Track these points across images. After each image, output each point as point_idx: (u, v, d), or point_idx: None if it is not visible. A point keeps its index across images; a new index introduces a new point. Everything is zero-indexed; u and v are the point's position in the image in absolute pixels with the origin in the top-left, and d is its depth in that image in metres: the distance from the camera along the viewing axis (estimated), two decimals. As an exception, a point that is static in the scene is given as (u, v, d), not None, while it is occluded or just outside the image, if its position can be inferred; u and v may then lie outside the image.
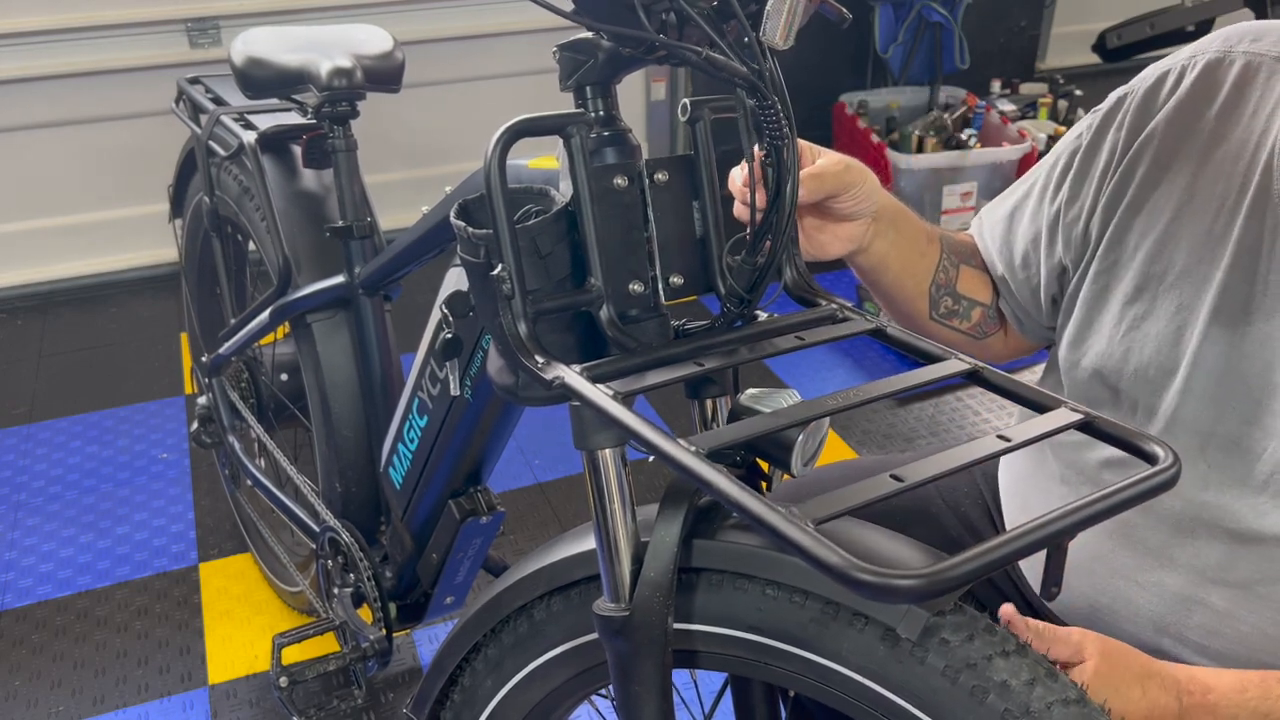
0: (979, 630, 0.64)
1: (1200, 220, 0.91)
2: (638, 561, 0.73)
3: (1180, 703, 0.81)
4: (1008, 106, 3.33)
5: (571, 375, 0.68)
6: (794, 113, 0.73)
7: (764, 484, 0.80)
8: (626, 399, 0.65)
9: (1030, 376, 2.79)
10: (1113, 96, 1.00)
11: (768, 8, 0.63)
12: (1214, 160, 0.91)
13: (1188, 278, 0.92)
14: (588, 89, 0.74)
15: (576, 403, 0.69)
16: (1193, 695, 0.82)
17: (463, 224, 0.74)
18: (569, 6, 0.68)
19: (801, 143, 1.00)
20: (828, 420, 0.70)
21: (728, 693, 0.98)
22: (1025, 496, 1.09)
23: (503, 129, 0.70)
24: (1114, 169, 0.97)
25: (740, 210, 0.79)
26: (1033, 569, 1.09)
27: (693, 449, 0.60)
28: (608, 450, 0.73)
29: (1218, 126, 0.91)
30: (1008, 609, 0.76)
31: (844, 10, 0.78)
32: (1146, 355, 0.94)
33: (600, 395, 0.65)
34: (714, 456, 0.60)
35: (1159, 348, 0.93)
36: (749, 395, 0.74)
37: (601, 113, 0.74)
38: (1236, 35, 0.93)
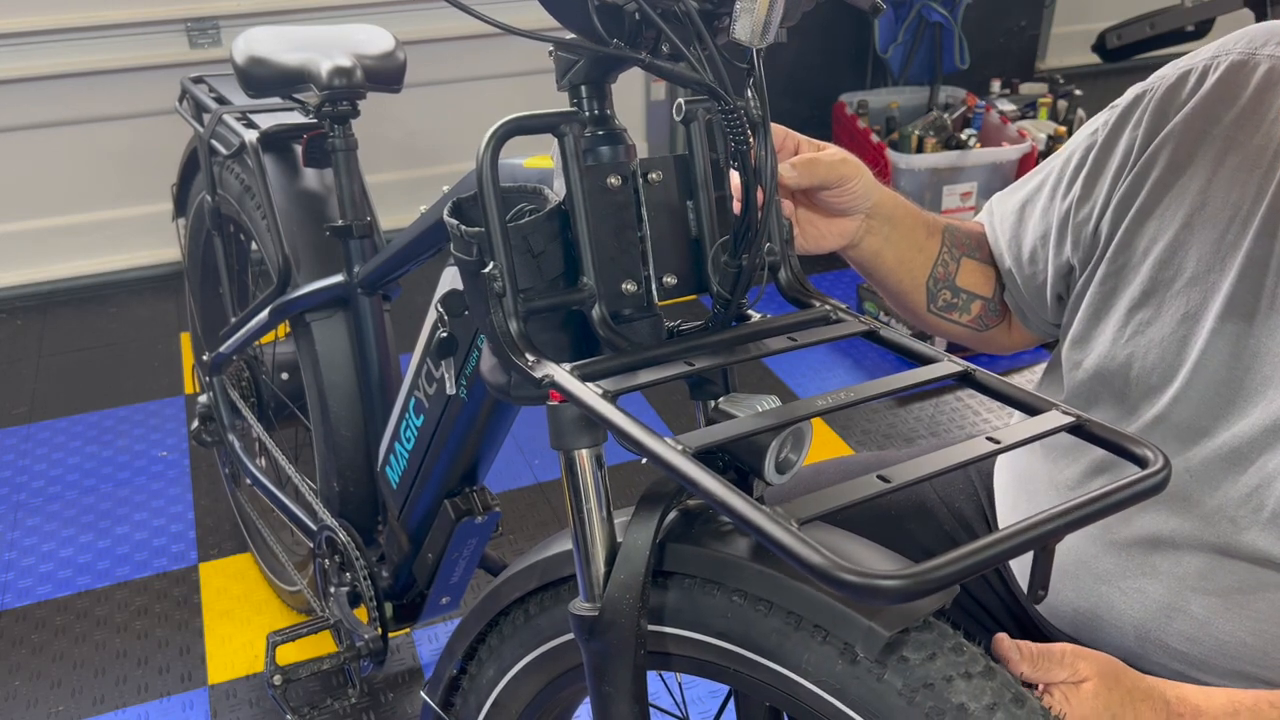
0: (943, 649, 0.63)
1: (1213, 228, 0.90)
2: (612, 563, 0.74)
3: (1170, 710, 0.80)
4: (1007, 106, 3.33)
5: (561, 374, 0.68)
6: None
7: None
8: (614, 397, 0.65)
9: (1030, 376, 2.79)
10: (1131, 93, 0.99)
11: (736, 6, 0.62)
12: (1230, 166, 0.89)
13: (1196, 285, 0.91)
14: (582, 88, 0.74)
15: (554, 404, 0.69)
16: (1182, 717, 0.81)
17: (455, 222, 0.74)
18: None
19: (801, 138, 1.00)
20: (810, 427, 0.70)
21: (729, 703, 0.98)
22: (1017, 494, 1.09)
23: (494, 127, 0.70)
24: (1128, 170, 0.96)
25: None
26: (1023, 569, 1.09)
27: (679, 448, 0.60)
28: (584, 451, 0.73)
29: (1236, 132, 0.89)
30: (1001, 639, 0.75)
31: (876, 1, 0.78)
32: (1150, 361, 0.93)
33: (588, 393, 0.65)
34: (702, 459, 0.60)
35: (1162, 355, 0.93)
36: (726, 399, 0.73)
37: (595, 112, 0.74)
38: (1263, 36, 0.91)
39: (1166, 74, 0.96)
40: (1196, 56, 0.95)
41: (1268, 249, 0.86)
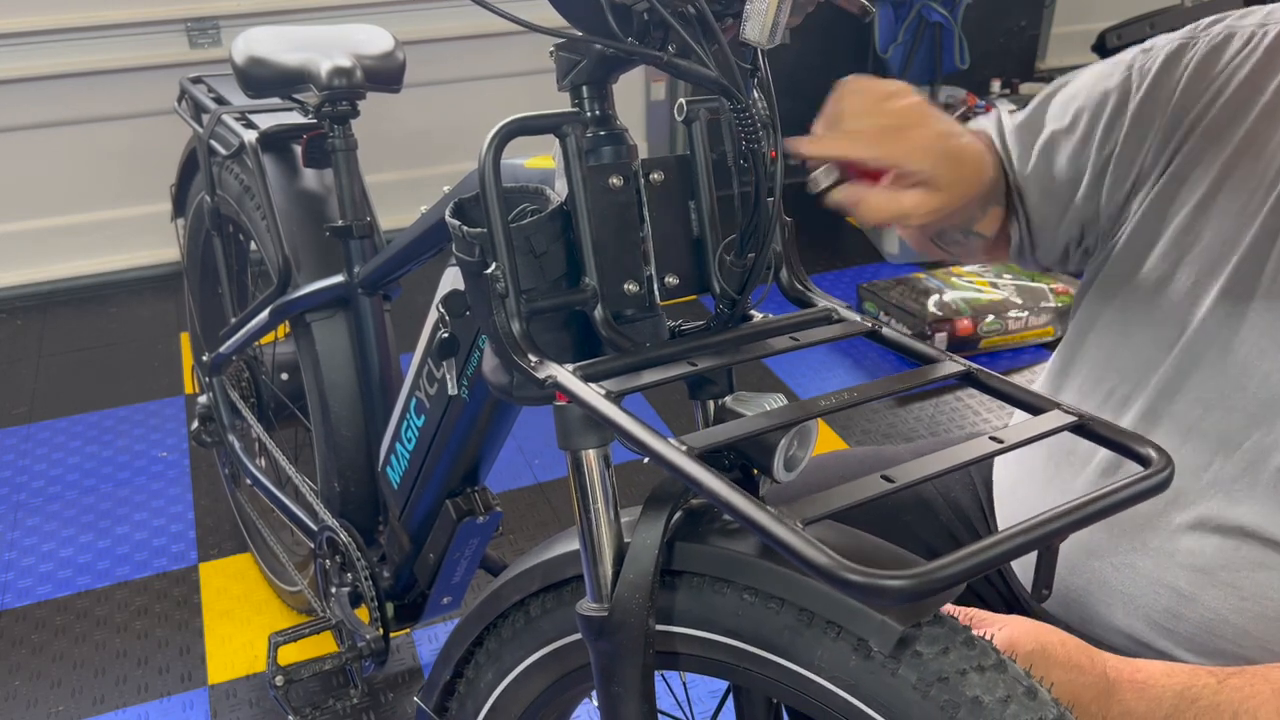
0: (956, 643, 0.63)
1: (1235, 197, 0.90)
2: (620, 562, 0.73)
3: (1108, 677, 0.81)
4: (1008, 106, 3.32)
5: (564, 374, 0.68)
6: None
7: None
8: (617, 398, 0.65)
9: (1030, 376, 2.78)
10: (1169, 44, 0.96)
11: (746, 8, 0.63)
12: (1263, 137, 0.89)
13: (1208, 253, 0.91)
14: (584, 88, 0.74)
15: (561, 404, 0.69)
16: (1120, 671, 0.82)
17: (458, 223, 0.74)
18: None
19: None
20: (816, 425, 0.70)
21: (728, 700, 0.98)
22: (1016, 486, 1.09)
23: (497, 128, 0.70)
24: (1167, 131, 0.94)
25: None
26: (1021, 561, 1.10)
27: (683, 448, 0.60)
28: (592, 451, 0.73)
29: (1274, 100, 0.89)
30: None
31: (866, 4, 0.78)
32: (1156, 328, 0.94)
33: (592, 394, 0.65)
34: (706, 458, 0.60)
35: (1166, 318, 0.93)
36: (733, 398, 0.74)
37: (597, 112, 0.74)
38: None
39: (1213, 31, 0.94)
40: (1244, 19, 0.93)
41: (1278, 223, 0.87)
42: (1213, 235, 0.91)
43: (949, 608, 0.75)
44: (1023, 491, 1.08)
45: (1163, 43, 0.98)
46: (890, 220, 0.88)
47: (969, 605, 1.11)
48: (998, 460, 1.15)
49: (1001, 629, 0.82)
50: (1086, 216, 1.02)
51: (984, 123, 1.10)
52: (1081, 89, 1.03)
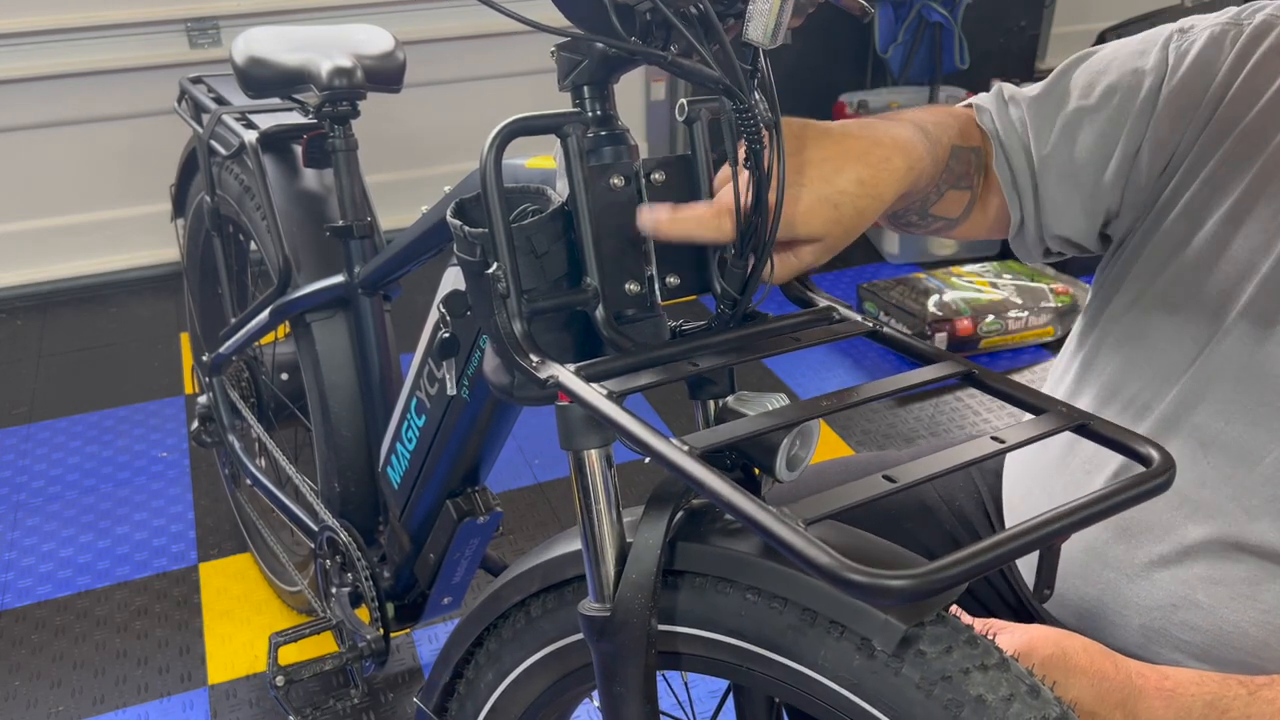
0: (959, 642, 0.63)
1: (1268, 206, 0.87)
2: (622, 563, 0.73)
3: (1133, 683, 0.81)
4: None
5: (566, 374, 0.68)
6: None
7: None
8: (619, 398, 0.65)
9: (1030, 376, 2.77)
10: (1209, 27, 0.92)
11: (749, 8, 0.63)
12: None
13: (1236, 264, 0.89)
14: (585, 88, 0.74)
15: (563, 404, 0.69)
16: (1146, 678, 0.81)
17: (459, 223, 0.74)
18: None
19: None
20: (818, 424, 0.70)
21: (728, 700, 0.98)
22: (1028, 485, 1.09)
23: (498, 128, 0.70)
24: (1201, 129, 0.91)
25: (712, 217, 0.74)
26: (1028, 566, 1.09)
27: (685, 448, 0.60)
28: (594, 451, 0.72)
29: None
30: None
31: (865, 4, 0.78)
32: (1178, 334, 0.92)
33: (594, 394, 0.65)
34: (707, 458, 0.60)
35: (1190, 328, 0.91)
36: (735, 398, 0.74)
37: (598, 112, 0.74)
38: None
39: (1257, 22, 0.90)
40: None
41: None
42: (1242, 245, 0.88)
43: (955, 609, 0.75)
44: (1035, 499, 1.07)
45: (1202, 24, 0.93)
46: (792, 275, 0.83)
47: (972, 611, 1.11)
48: (1008, 468, 1.15)
49: (1021, 634, 0.81)
50: (1110, 203, 0.98)
51: (982, 99, 1.04)
52: (1110, 64, 0.97)
